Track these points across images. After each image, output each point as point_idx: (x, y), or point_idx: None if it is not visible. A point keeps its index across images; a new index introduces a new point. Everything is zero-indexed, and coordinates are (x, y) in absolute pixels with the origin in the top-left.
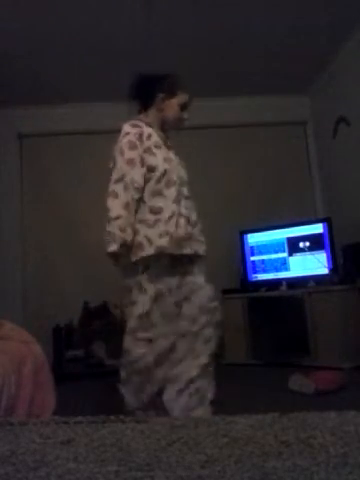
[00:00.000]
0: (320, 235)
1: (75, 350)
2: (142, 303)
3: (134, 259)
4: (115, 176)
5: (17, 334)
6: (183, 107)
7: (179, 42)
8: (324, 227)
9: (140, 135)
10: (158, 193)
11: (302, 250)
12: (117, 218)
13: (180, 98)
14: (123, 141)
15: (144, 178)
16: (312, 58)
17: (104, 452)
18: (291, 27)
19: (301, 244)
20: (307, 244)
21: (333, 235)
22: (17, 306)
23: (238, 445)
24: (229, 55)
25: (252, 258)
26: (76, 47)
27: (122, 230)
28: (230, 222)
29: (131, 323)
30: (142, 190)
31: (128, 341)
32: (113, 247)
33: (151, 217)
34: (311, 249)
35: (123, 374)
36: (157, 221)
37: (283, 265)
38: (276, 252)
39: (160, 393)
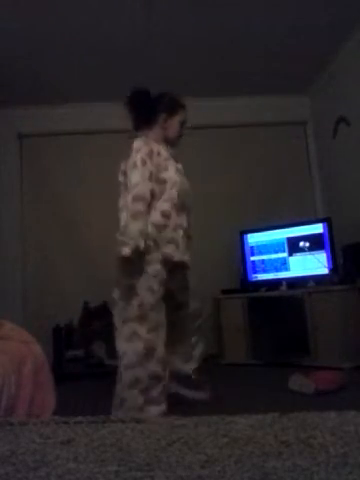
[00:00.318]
0: (320, 235)
1: (75, 350)
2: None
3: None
4: (132, 192)
5: (17, 334)
6: (182, 123)
7: (179, 42)
8: (324, 227)
9: (151, 152)
10: (168, 200)
11: (302, 250)
12: (129, 226)
13: (181, 116)
14: (137, 157)
15: (152, 192)
16: (312, 58)
17: (104, 452)
18: (291, 27)
19: (301, 244)
20: (307, 244)
21: (333, 235)
22: (17, 306)
23: (238, 445)
24: (229, 55)
25: (252, 258)
26: (76, 47)
27: (135, 237)
28: (230, 222)
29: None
30: (149, 203)
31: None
32: (126, 251)
33: (161, 221)
34: (311, 249)
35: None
36: (166, 227)
37: (283, 265)
38: (276, 252)
39: None
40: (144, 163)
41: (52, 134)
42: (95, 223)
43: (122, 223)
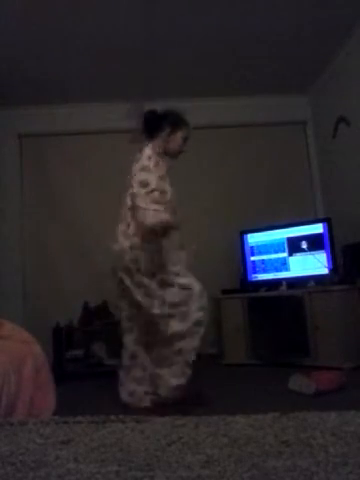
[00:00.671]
0: (320, 235)
1: (75, 350)
2: None
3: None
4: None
5: (17, 334)
6: (185, 139)
7: (179, 42)
8: (324, 227)
9: (157, 162)
10: (169, 209)
11: (302, 250)
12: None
13: (184, 132)
14: (149, 162)
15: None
16: (312, 58)
17: (104, 452)
18: (291, 27)
19: (301, 244)
20: (307, 244)
21: (333, 235)
22: (17, 306)
23: (238, 445)
24: (229, 55)
25: (252, 258)
26: (76, 47)
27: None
28: (230, 222)
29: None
30: None
31: None
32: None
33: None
34: (311, 249)
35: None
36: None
37: (283, 265)
38: (276, 252)
39: None
40: (156, 166)
41: (52, 134)
42: (95, 223)
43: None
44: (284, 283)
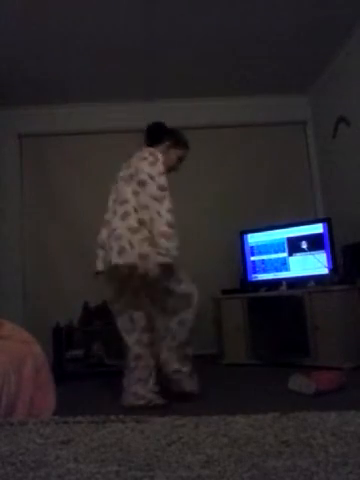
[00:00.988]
0: (320, 235)
1: (75, 350)
2: None
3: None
4: (166, 201)
5: (17, 334)
6: (180, 159)
7: (179, 43)
8: (324, 227)
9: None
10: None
11: (302, 250)
12: (171, 239)
13: (181, 152)
14: (163, 168)
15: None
16: (312, 58)
17: (104, 452)
18: (291, 27)
19: (301, 244)
20: (307, 244)
21: (333, 235)
22: (17, 306)
23: (238, 445)
24: (229, 55)
25: (252, 258)
26: (76, 47)
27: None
28: (230, 222)
29: None
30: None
31: None
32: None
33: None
34: (311, 249)
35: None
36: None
37: (283, 265)
38: (276, 252)
39: None
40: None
41: (52, 134)
42: (95, 223)
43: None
44: (284, 283)
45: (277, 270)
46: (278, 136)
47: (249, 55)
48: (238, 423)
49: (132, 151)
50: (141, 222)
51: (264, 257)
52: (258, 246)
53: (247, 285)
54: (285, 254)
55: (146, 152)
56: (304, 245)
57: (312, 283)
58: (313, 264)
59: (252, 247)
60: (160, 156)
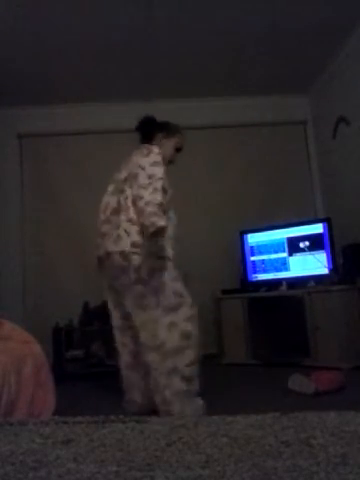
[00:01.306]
0: (320, 235)
1: (75, 350)
2: None
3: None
4: (158, 183)
5: (17, 334)
6: (178, 149)
7: (179, 42)
8: (324, 227)
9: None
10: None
11: (302, 250)
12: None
13: (177, 141)
14: (159, 158)
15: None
16: (312, 58)
17: (104, 452)
18: (291, 27)
19: (301, 244)
20: (307, 244)
21: (333, 235)
22: (17, 306)
23: (238, 445)
24: (229, 55)
25: (252, 258)
26: (76, 47)
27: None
28: (230, 222)
29: None
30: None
31: None
32: (162, 222)
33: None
34: (311, 249)
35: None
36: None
37: (283, 265)
38: (276, 252)
39: None
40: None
41: (52, 134)
42: (95, 223)
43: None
44: (284, 283)
45: (277, 270)
46: (278, 136)
47: (249, 55)
48: (238, 423)
49: (132, 151)
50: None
51: (264, 257)
52: (258, 246)
53: (247, 285)
54: (285, 254)
55: (142, 148)
56: (304, 245)
57: (312, 283)
58: (313, 264)
59: (252, 247)
60: (155, 148)
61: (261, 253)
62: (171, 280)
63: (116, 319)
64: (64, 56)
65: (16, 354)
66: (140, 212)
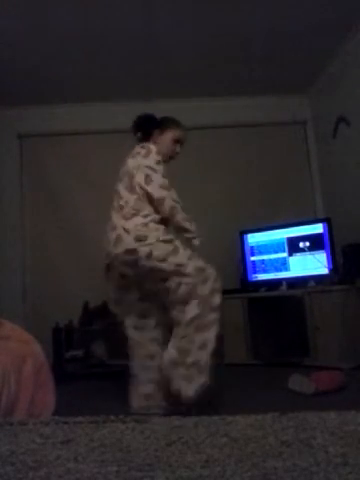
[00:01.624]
0: (320, 235)
1: (75, 350)
2: None
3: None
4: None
5: (17, 334)
6: (177, 141)
7: (179, 42)
8: (324, 227)
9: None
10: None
11: (302, 250)
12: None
13: (174, 133)
14: (159, 158)
15: None
16: (312, 58)
17: (104, 452)
18: (291, 27)
19: (301, 244)
20: (307, 244)
21: (333, 235)
22: (17, 306)
23: (238, 445)
24: (229, 55)
25: (252, 258)
26: (76, 47)
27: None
28: (230, 222)
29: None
30: None
31: None
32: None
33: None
34: (311, 249)
35: None
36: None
37: (283, 265)
38: (276, 252)
39: None
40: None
41: (52, 134)
42: (95, 223)
43: (175, 213)
44: (284, 283)
45: (277, 270)
46: (278, 136)
47: (249, 55)
48: (238, 423)
49: (132, 151)
50: (136, 211)
51: (264, 257)
52: (258, 246)
53: (247, 285)
54: (285, 254)
55: (138, 147)
56: (304, 245)
57: (312, 283)
58: (313, 264)
59: (252, 247)
60: (152, 146)
61: (261, 253)
62: (187, 259)
63: (131, 321)
64: (64, 56)
65: (16, 354)
66: (170, 215)
